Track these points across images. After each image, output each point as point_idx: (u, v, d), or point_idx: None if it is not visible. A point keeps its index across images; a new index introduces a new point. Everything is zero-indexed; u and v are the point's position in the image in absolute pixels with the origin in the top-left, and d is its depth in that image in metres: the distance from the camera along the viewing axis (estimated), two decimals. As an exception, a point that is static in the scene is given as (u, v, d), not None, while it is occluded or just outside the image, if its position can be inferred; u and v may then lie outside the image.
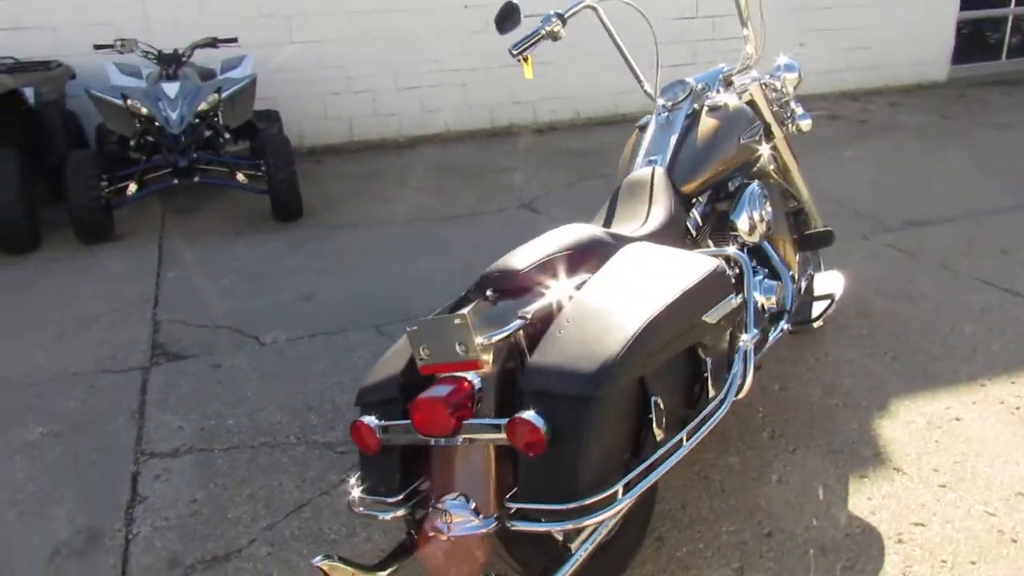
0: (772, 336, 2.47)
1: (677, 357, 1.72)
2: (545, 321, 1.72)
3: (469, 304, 1.87)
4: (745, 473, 2.40)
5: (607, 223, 2.31)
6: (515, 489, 1.59)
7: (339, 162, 6.53)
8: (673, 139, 2.51)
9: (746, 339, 1.96)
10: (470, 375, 1.66)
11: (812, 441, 2.54)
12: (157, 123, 4.61)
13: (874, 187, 5.22)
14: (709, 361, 1.78)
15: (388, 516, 1.73)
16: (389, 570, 1.71)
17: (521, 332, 1.72)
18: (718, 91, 2.71)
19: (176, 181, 4.70)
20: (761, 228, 2.52)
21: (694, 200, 2.45)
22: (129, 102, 4.62)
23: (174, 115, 4.60)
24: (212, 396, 2.95)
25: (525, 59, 2.84)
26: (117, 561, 2.13)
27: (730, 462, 2.46)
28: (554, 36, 2.70)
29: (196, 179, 4.75)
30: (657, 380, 1.64)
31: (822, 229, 2.89)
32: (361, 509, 1.75)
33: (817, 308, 2.64)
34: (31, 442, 2.69)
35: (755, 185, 2.56)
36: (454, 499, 1.63)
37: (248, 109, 5.16)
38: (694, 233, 2.41)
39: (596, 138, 6.96)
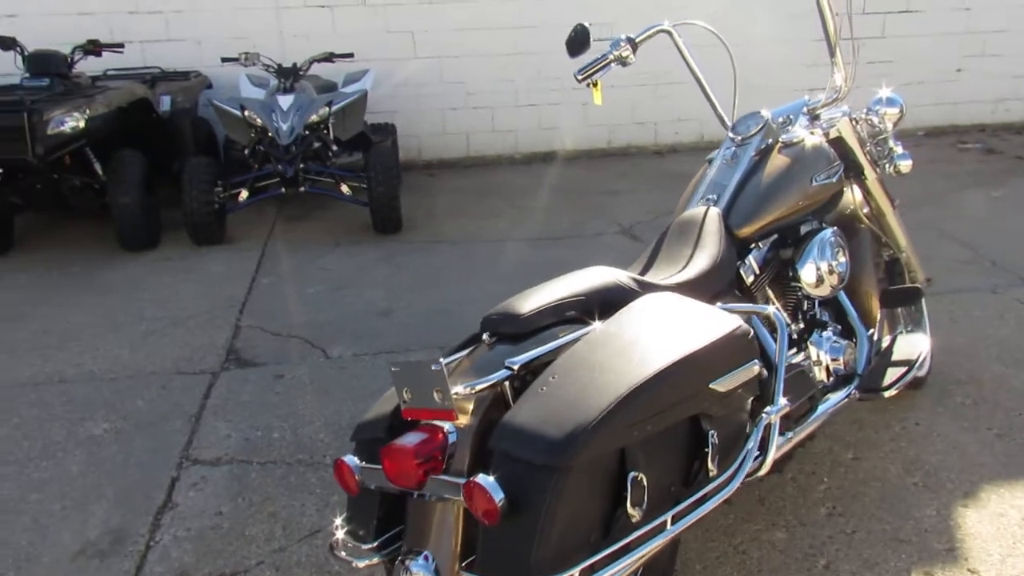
0: (832, 403, 2.20)
1: (674, 428, 1.54)
2: (537, 373, 1.59)
3: (471, 347, 1.76)
4: (789, 553, 2.15)
5: (646, 267, 2.14)
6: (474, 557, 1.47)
7: (452, 176, 6.59)
8: (736, 177, 2.30)
9: (769, 412, 1.73)
10: (446, 425, 1.56)
11: (877, 524, 2.24)
12: (269, 133, 4.81)
13: (1019, 234, 4.64)
14: (714, 434, 1.57)
15: (362, 563, 1.65)
16: None
17: (507, 383, 1.60)
18: (799, 125, 2.46)
19: (284, 190, 4.89)
20: (831, 280, 2.25)
21: (753, 246, 2.23)
22: (246, 113, 4.85)
23: (285, 126, 4.78)
24: (266, 407, 3.00)
25: (594, 84, 2.72)
26: (131, 568, 2.18)
27: (776, 537, 2.21)
28: (623, 62, 2.56)
29: (303, 188, 4.92)
30: (642, 453, 1.47)
31: (909, 285, 2.56)
32: (341, 553, 1.68)
33: (892, 375, 2.34)
34: (94, 437, 2.83)
35: (828, 232, 2.29)
36: (419, 557, 1.54)
37: (358, 122, 5.29)
38: (748, 282, 2.19)
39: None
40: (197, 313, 3.89)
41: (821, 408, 2.18)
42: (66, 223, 5.23)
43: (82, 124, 4.38)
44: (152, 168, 4.83)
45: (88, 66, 5.26)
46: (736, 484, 1.61)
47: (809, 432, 2.13)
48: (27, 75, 4.63)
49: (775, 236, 2.30)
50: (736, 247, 2.18)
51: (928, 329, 3.03)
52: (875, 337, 2.46)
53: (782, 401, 1.77)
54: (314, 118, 4.89)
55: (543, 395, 1.50)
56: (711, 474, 1.58)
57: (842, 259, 2.28)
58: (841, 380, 2.31)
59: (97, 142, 4.61)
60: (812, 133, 2.46)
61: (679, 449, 1.56)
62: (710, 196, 2.29)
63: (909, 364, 2.35)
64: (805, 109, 2.54)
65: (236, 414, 2.96)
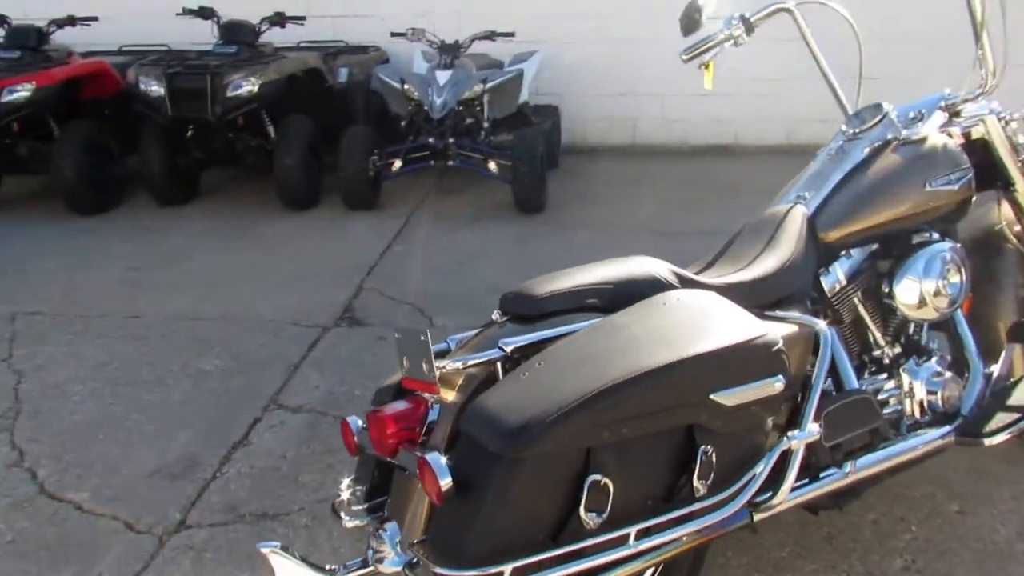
0: (918, 441, 1.90)
1: (662, 436, 1.39)
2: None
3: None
4: (841, 601, 1.90)
5: (708, 264, 1.96)
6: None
7: (612, 163, 6.46)
8: (838, 175, 2.03)
9: (791, 437, 1.52)
10: (431, 399, 1.53)
11: (959, 589, 1.93)
12: (424, 107, 4.95)
13: None
14: (709, 450, 1.40)
15: (350, 524, 1.66)
16: None
17: (499, 364, 1.53)
18: (930, 122, 2.14)
19: (432, 162, 5.03)
20: (936, 302, 1.95)
21: (843, 254, 1.97)
22: (405, 86, 5.02)
23: (438, 101, 4.90)
24: (359, 365, 3.11)
25: (705, 66, 2.53)
26: (193, 494, 2.34)
27: (831, 582, 1.96)
28: (735, 41, 2.36)
29: (451, 163, 5.03)
30: (613, 457, 1.34)
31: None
32: (340, 511, 1.70)
33: (1000, 420, 1.97)
34: (203, 371, 3.08)
35: (943, 246, 1.98)
36: (390, 526, 1.51)
37: (513, 102, 5.31)
38: (829, 294, 1.94)
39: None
40: (329, 271, 4.10)
41: (901, 445, 1.90)
42: (243, 181, 5.69)
43: (256, 89, 4.75)
44: (321, 135, 5.14)
45: (284, 37, 5.70)
46: (732, 508, 1.44)
47: (881, 471, 1.86)
48: (220, 42, 5.08)
49: (876, 246, 2.02)
50: (819, 253, 1.94)
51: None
52: (996, 375, 2.10)
53: (811, 428, 1.55)
54: (468, 94, 4.97)
55: (520, 381, 1.42)
56: (697, 493, 1.41)
57: (955, 279, 1.96)
58: (940, 418, 1.99)
59: (270, 106, 4.98)
60: (946, 132, 2.13)
61: (665, 460, 1.41)
62: (803, 194, 2.05)
63: (1022, 411, 1.98)
64: (943, 104, 2.20)
65: (330, 368, 3.09)
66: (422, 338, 1.45)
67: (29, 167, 4.98)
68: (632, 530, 1.35)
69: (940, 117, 2.19)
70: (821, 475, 1.78)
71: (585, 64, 6.57)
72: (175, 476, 2.43)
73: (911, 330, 2.08)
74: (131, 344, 3.30)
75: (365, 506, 1.64)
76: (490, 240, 4.58)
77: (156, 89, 4.70)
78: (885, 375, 2.01)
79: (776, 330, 1.53)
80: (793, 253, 1.86)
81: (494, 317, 1.67)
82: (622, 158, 6.62)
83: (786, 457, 1.53)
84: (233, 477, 2.43)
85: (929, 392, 1.97)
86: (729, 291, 1.73)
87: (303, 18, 5.42)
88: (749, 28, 2.32)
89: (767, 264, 1.84)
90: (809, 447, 1.68)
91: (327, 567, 1.56)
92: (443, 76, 5.01)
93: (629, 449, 1.36)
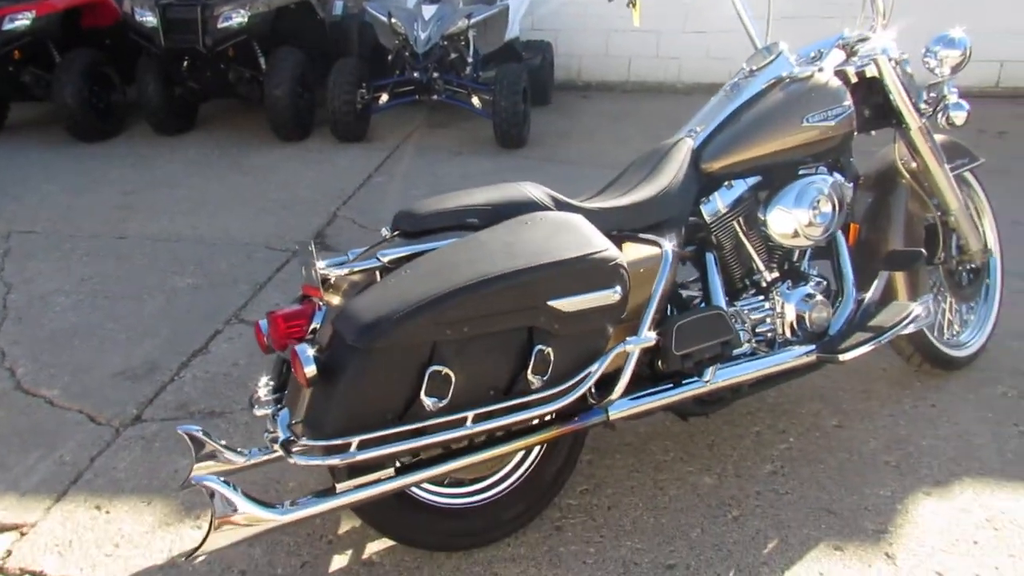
0: (780, 358, 2.09)
1: (503, 335, 1.59)
2: (407, 267, 1.71)
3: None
4: (706, 499, 2.12)
5: (602, 190, 2.13)
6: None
7: (604, 100, 6.53)
8: (727, 110, 2.18)
9: (628, 342, 1.72)
10: (318, 301, 1.74)
11: (815, 492, 2.13)
12: (410, 41, 5.07)
13: None
14: (545, 349, 1.60)
15: (259, 413, 1.88)
16: (254, 460, 1.86)
17: (378, 272, 1.74)
18: (828, 60, 2.27)
19: (417, 97, 5.17)
20: (807, 231, 2.10)
21: (725, 184, 2.12)
22: (392, 20, 5.13)
23: (423, 36, 5.01)
24: (320, 286, 3.33)
25: (632, 4, 2.65)
26: (150, 393, 2.61)
27: (702, 482, 2.18)
28: (654, -18, 2.47)
29: (435, 97, 5.16)
30: (455, 351, 1.54)
31: (911, 249, 2.30)
32: (253, 404, 1.93)
33: (857, 339, 2.13)
34: (176, 288, 3.33)
35: (816, 177, 2.13)
36: (283, 412, 1.75)
37: (499, 37, 5.40)
38: (708, 221, 2.10)
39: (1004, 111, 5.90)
40: (308, 199, 4.31)
41: (763, 359, 2.09)
42: (239, 111, 5.88)
43: (245, 20, 4.89)
44: (313, 67, 5.28)
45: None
46: (565, 401, 1.65)
47: (742, 381, 2.06)
48: (211, -27, 5.22)
49: (759, 178, 2.16)
50: (701, 183, 2.10)
51: (994, 305, 2.71)
52: (867, 300, 2.26)
53: (646, 334, 1.75)
54: (452, 29, 5.07)
55: (383, 285, 1.63)
56: (532, 386, 1.62)
57: (827, 210, 2.11)
58: (809, 338, 2.17)
59: (261, 38, 5.13)
60: (841, 71, 2.25)
61: (505, 357, 1.61)
62: (695, 128, 2.20)
63: (880, 331, 2.14)
64: (840, 43, 2.32)
65: (293, 289, 3.32)
66: (309, 248, 1.67)
67: (33, 94, 5.21)
68: (469, 414, 1.57)
69: (838, 56, 2.31)
70: (684, 382, 1.98)
71: (580, 0, 6.59)
72: (137, 378, 2.70)
73: (789, 256, 2.25)
74: (115, 262, 3.56)
75: (272, 398, 1.87)
76: (468, 173, 4.74)
77: (150, 19, 4.87)
78: (762, 297, 2.19)
79: (621, 248, 1.71)
80: (671, 182, 2.02)
81: (383, 233, 1.88)
82: (616, 96, 6.69)
83: (621, 359, 1.73)
84: (188, 380, 2.69)
85: (798, 313, 2.15)
86: (602, 215, 1.91)
87: (295, -50, 5.51)
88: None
89: (644, 191, 2.01)
90: (661, 354, 1.89)
91: (239, 449, 1.80)
92: (428, 11, 5.11)
93: (471, 345, 1.57)
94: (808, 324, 2.15)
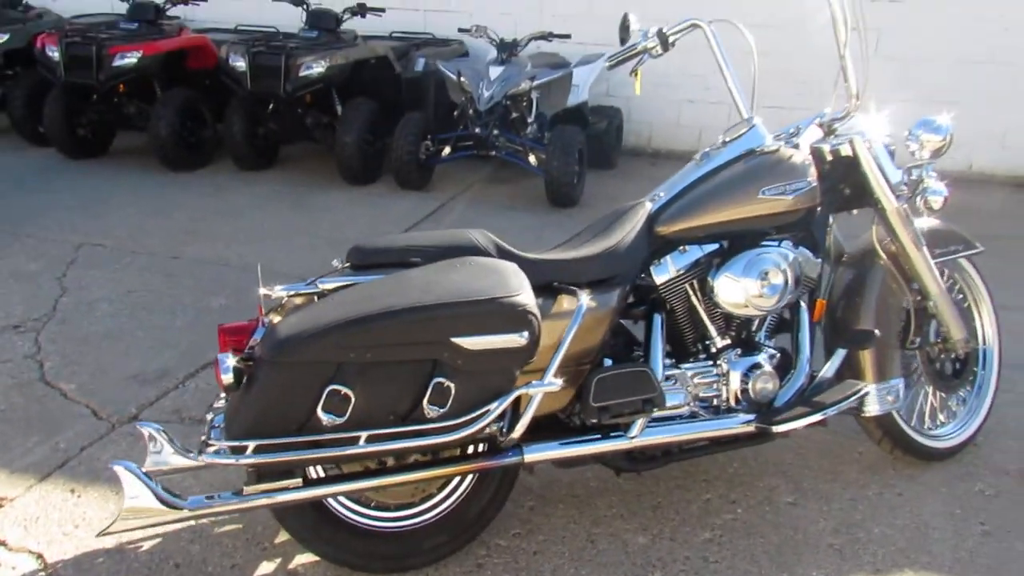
0: (714, 425, 2.10)
1: (407, 364, 1.69)
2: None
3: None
4: (632, 557, 2.13)
5: (559, 245, 2.22)
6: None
7: (670, 168, 6.53)
8: (691, 177, 2.25)
9: (530, 385, 1.79)
10: (263, 320, 1.91)
11: (745, 565, 2.11)
12: (473, 98, 5.33)
13: None
14: (445, 383, 1.68)
15: (209, 416, 2.03)
16: (205, 461, 2.00)
17: (315, 297, 1.89)
18: (803, 137, 2.31)
19: (476, 151, 5.39)
20: (755, 301, 2.12)
21: (680, 248, 2.18)
22: (461, 79, 5.41)
23: (486, 94, 5.25)
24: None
25: (634, 73, 2.77)
26: (153, 396, 2.84)
27: (634, 540, 2.19)
28: (651, 53, 2.59)
29: (493, 153, 5.37)
30: (357, 374, 1.66)
31: (861, 329, 2.26)
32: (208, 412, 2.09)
33: (797, 412, 2.10)
34: (209, 307, 3.60)
35: (769, 249, 2.16)
36: (219, 417, 1.90)
37: (562, 100, 5.59)
38: (658, 281, 2.16)
39: (981, 199, 5.73)
40: (352, 239, 4.55)
41: (698, 423, 2.10)
42: (317, 155, 6.27)
43: (323, 70, 5.27)
44: (386, 118, 5.61)
45: (382, 27, 6.28)
46: (460, 435, 1.72)
47: (671, 442, 2.08)
48: (305, 27, 5.66)
49: (717, 245, 2.20)
50: (654, 245, 2.16)
51: (986, 399, 2.61)
52: (820, 376, 2.24)
53: (549, 380, 1.82)
54: (514, 90, 5.29)
55: (307, 308, 1.78)
56: (428, 416, 1.71)
57: (776, 281, 2.12)
58: (754, 407, 2.17)
59: (338, 87, 5.51)
60: (817, 148, 2.29)
61: (407, 385, 1.71)
62: (659, 192, 2.27)
63: (821, 407, 2.11)
64: (818, 121, 2.36)
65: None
66: (256, 273, 1.84)
67: (136, 125, 5.76)
68: (363, 434, 1.68)
69: (815, 133, 2.35)
70: (612, 435, 2.02)
71: (656, 70, 6.71)
72: (146, 382, 2.94)
73: (746, 326, 2.26)
74: (162, 279, 3.88)
75: (222, 405, 2.04)
76: (512, 226, 4.89)
77: (240, 64, 5.32)
78: (710, 362, 2.20)
79: (556, 298, 1.82)
80: (619, 241, 2.10)
81: (334, 264, 2.04)
82: (682, 164, 6.73)
83: (522, 402, 1.80)
84: (191, 389, 2.91)
85: (743, 382, 2.15)
86: (542, 266, 2.01)
87: (383, 10, 5.91)
88: (664, 41, 2.53)
89: (591, 248, 2.09)
90: (580, 404, 1.95)
91: (189, 451, 1.96)
92: (495, 71, 5.36)
93: (373, 370, 1.69)
94: (752, 394, 2.15)
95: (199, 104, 5.71)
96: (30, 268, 3.93)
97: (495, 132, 5.34)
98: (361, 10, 5.76)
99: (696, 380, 2.16)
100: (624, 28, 2.67)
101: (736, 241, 2.21)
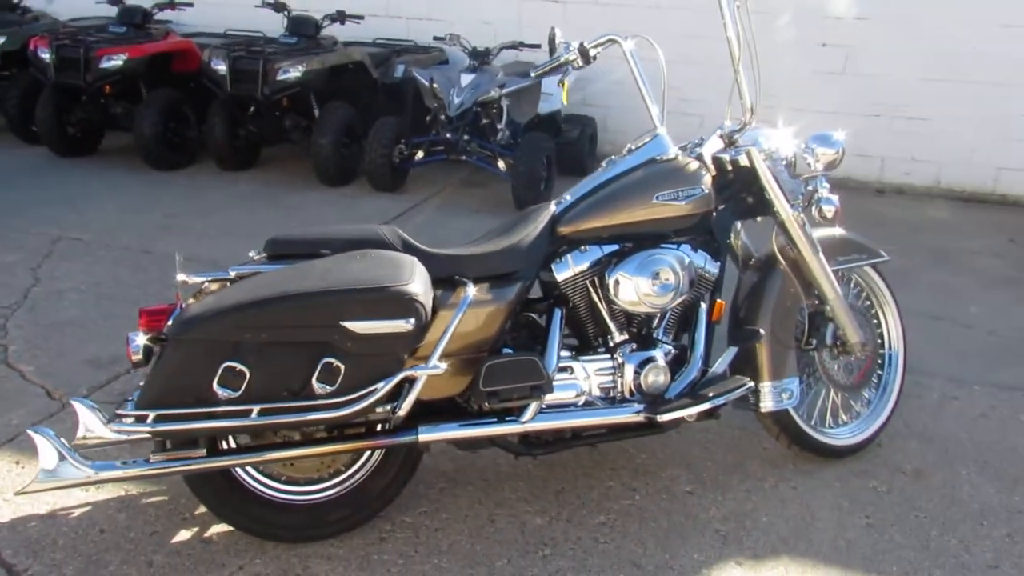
0: (603, 413, 2.26)
1: (300, 345, 1.85)
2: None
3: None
4: (528, 536, 2.27)
5: (472, 241, 2.37)
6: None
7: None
8: (596, 182, 2.41)
9: (414, 368, 1.95)
10: (181, 303, 2.07)
11: (632, 546, 2.25)
12: (444, 104, 5.50)
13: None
14: (334, 364, 1.85)
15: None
16: (123, 437, 2.13)
17: (227, 283, 2.05)
18: (706, 147, 2.47)
19: (446, 156, 5.56)
20: (646, 299, 2.27)
21: (583, 248, 2.33)
22: (433, 84, 5.58)
23: (456, 100, 5.43)
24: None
25: (561, 83, 2.93)
26: (103, 379, 3.02)
27: (533, 521, 2.34)
28: (571, 65, 2.74)
29: (463, 157, 5.54)
30: (253, 352, 1.82)
31: (749, 328, 2.41)
32: None
33: (680, 403, 2.25)
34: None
35: (662, 250, 2.31)
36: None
37: (532, 108, 5.75)
38: (559, 278, 2.31)
39: (943, 213, 5.87)
40: (321, 237, 4.73)
41: (587, 412, 2.25)
42: (297, 157, 6.43)
43: (299, 75, 5.46)
44: (364, 122, 5.79)
45: (359, 33, 6.45)
46: (347, 411, 1.88)
47: (562, 428, 2.23)
48: (285, 33, 5.85)
49: (617, 246, 2.35)
50: (555, 244, 2.32)
51: (890, 400, 2.75)
52: (711, 371, 2.39)
53: (434, 364, 1.97)
54: (483, 97, 5.46)
55: (215, 294, 1.94)
56: (317, 393, 1.87)
57: (667, 280, 2.27)
58: (647, 399, 2.32)
59: (316, 91, 5.69)
60: (717, 158, 2.44)
61: (301, 364, 1.87)
62: (567, 196, 2.43)
63: (703, 399, 2.26)
64: (719, 133, 2.52)
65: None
66: (177, 259, 2.01)
67: (122, 125, 5.95)
68: (255, 407, 1.84)
69: (716, 144, 2.51)
70: (506, 419, 2.18)
71: (630, 80, 6.88)
72: (100, 366, 3.11)
73: (647, 323, 2.41)
74: (131, 271, 4.05)
75: (145, 382, 2.20)
76: (475, 228, 5.02)
77: (221, 68, 5.51)
78: (608, 355, 2.35)
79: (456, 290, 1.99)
80: (520, 240, 2.26)
81: (251, 254, 2.20)
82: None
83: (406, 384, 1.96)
84: (138, 374, 3.06)
85: (636, 375, 2.30)
86: (443, 260, 2.17)
87: (361, 17, 6.10)
88: (584, 54, 2.68)
89: (493, 245, 2.25)
90: (472, 390, 2.10)
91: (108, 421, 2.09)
92: (466, 78, 5.53)
93: (268, 349, 1.85)
94: (644, 386, 2.30)
95: (183, 105, 5.90)
96: (7, 259, 4.11)
97: (466, 138, 5.51)
98: (340, 17, 5.95)
99: (593, 372, 2.31)
100: (551, 41, 2.82)
101: (636, 242, 2.36)
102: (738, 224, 2.62)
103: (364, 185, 5.82)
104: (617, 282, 2.28)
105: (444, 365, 1.99)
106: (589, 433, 2.32)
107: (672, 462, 2.64)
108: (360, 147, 5.85)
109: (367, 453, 2.21)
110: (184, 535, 2.22)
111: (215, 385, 1.81)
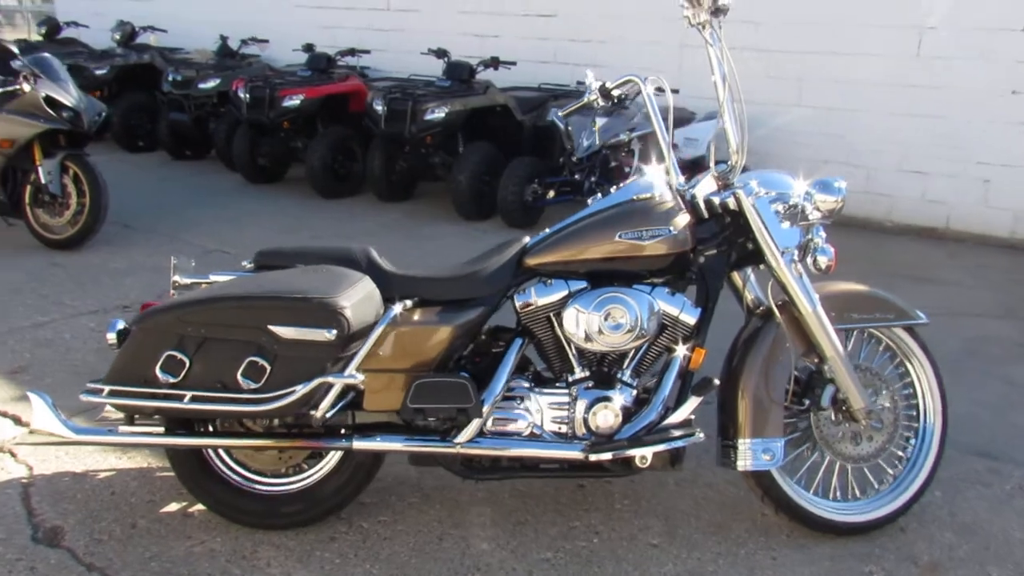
0: (550, 447, 2.23)
1: (237, 343, 2.06)
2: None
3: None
4: (467, 559, 2.30)
5: (447, 267, 2.47)
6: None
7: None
8: (574, 217, 2.42)
9: (332, 375, 2.06)
10: (170, 300, 2.38)
11: (538, 554, 2.20)
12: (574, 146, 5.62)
13: None
14: (260, 363, 2.02)
15: None
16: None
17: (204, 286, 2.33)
18: (700, 187, 2.40)
19: (573, 196, 5.66)
20: (599, 338, 2.24)
21: (547, 281, 2.34)
22: (568, 128, 5.73)
23: (585, 143, 5.52)
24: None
25: (593, 123, 2.95)
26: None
27: (479, 546, 2.36)
28: (594, 104, 2.78)
29: (589, 200, 5.58)
30: (194, 345, 2.06)
31: (707, 377, 2.24)
32: None
33: (617, 445, 2.12)
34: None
35: (621, 290, 2.26)
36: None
37: (664, 152, 5.68)
38: (518, 308, 2.33)
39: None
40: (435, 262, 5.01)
41: (531, 444, 2.24)
42: (445, 192, 6.80)
43: (443, 115, 5.86)
44: (505, 161, 6.07)
45: (523, 78, 6.82)
46: (267, 408, 2.05)
47: (500, 455, 2.25)
48: (442, 77, 6.31)
49: (586, 283, 2.33)
50: (519, 275, 2.35)
51: (919, 478, 2.46)
52: (670, 419, 2.26)
53: (350, 372, 2.08)
54: (613, 140, 5.51)
55: (182, 292, 2.22)
56: (242, 387, 2.05)
57: (620, 321, 2.22)
58: (597, 438, 2.26)
59: (460, 131, 6.06)
60: (708, 199, 2.36)
61: (234, 360, 2.07)
62: (547, 228, 2.45)
63: (641, 444, 2.13)
64: (713, 174, 2.42)
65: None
66: (172, 261, 2.34)
67: (300, 158, 6.73)
68: (188, 394, 2.07)
69: (709, 185, 2.42)
70: (446, 440, 2.24)
71: (793, 128, 6.57)
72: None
73: (605, 361, 2.35)
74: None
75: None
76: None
77: (379, 108, 6.06)
78: (565, 390, 2.33)
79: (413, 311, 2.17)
80: (483, 268, 2.34)
81: (243, 264, 2.47)
82: (812, 225, 6.46)
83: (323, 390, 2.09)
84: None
85: (586, 413, 2.26)
86: (408, 282, 2.31)
87: (514, 63, 6.43)
88: (606, 94, 2.71)
89: (458, 271, 2.35)
90: (400, 406, 2.19)
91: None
92: (600, 122, 5.61)
93: (208, 344, 2.08)
94: (593, 425, 2.25)
95: (350, 141, 6.55)
96: (162, 264, 4.80)
97: (592, 179, 5.58)
98: (494, 63, 6.31)
99: (546, 405, 2.31)
100: (587, 85, 2.87)
101: (607, 280, 2.33)
102: (748, 271, 2.48)
103: (499, 221, 6.07)
104: (570, 315, 2.26)
105: (360, 376, 2.11)
106: (536, 465, 2.30)
107: (651, 512, 2.53)
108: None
109: (329, 455, 2.37)
110: (173, 507, 2.51)
111: (158, 370, 2.08)
